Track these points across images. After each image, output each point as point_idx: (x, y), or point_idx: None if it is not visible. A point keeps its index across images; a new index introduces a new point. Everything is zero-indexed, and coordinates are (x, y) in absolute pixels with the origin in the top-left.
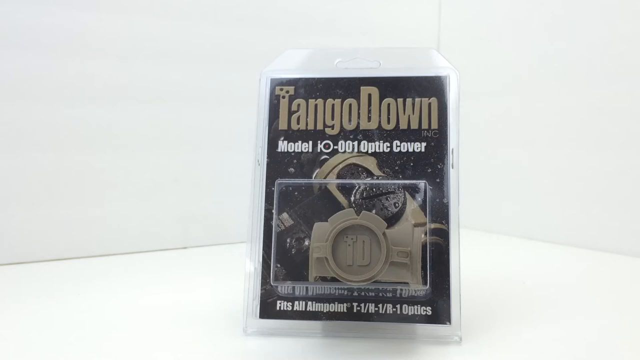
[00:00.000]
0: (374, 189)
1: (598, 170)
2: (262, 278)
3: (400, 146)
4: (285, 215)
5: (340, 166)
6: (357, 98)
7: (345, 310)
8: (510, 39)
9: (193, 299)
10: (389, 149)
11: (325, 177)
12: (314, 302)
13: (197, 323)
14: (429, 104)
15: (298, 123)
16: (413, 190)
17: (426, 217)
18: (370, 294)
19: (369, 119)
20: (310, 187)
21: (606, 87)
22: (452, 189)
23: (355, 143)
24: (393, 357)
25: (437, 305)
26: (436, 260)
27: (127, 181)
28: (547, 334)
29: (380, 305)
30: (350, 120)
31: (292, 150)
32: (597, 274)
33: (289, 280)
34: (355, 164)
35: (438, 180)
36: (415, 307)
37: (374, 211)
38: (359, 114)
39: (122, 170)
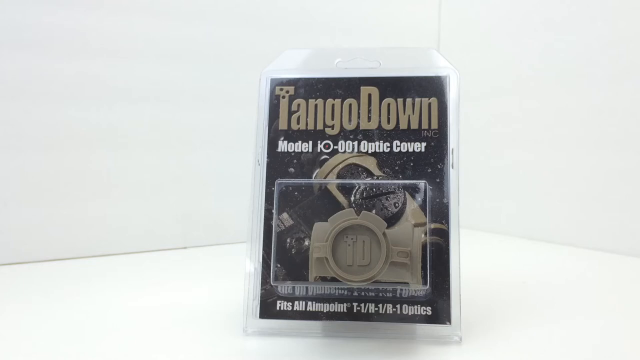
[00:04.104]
0: (374, 189)
1: (598, 170)
2: (262, 278)
3: (400, 146)
4: (285, 215)
5: (340, 166)
6: (357, 98)
7: (345, 310)
8: (510, 39)
9: (193, 298)
10: (389, 149)
11: (325, 177)
12: (314, 302)
13: (197, 323)
14: (429, 104)
15: (298, 123)
16: (413, 190)
17: (426, 217)
18: (370, 294)
19: (369, 119)
20: (310, 187)
21: (606, 87)
22: (452, 189)
23: (355, 143)
24: (393, 357)
25: (437, 305)
26: (436, 260)
27: (127, 181)
28: (547, 334)
29: (380, 305)
30: (350, 120)
31: (292, 150)
32: (597, 274)
33: (289, 280)
34: (355, 164)
35: (438, 180)
36: (415, 307)
37: (374, 211)
38: (359, 114)
39: (122, 170)
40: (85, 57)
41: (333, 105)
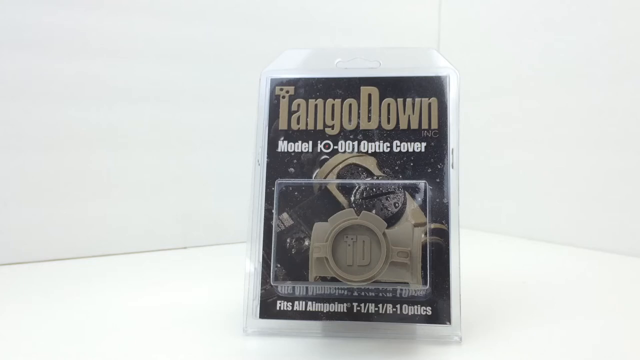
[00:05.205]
0: (374, 189)
1: (598, 170)
2: (262, 278)
3: (400, 146)
4: (285, 215)
5: (340, 166)
6: (357, 98)
7: (345, 310)
8: (511, 39)
9: (193, 298)
10: (389, 149)
11: (325, 177)
12: (314, 302)
13: (197, 323)
14: (429, 104)
15: (298, 123)
16: (413, 190)
17: (426, 217)
18: (370, 294)
19: (369, 119)
20: (310, 187)
21: (606, 87)
22: (452, 189)
23: (355, 143)
24: (393, 357)
25: (437, 305)
26: (436, 260)
27: (127, 181)
28: (547, 334)
29: (380, 305)
30: (350, 120)
31: (292, 150)
32: (597, 274)
33: (289, 280)
34: (355, 164)
35: (438, 180)
36: (415, 307)
37: (374, 211)
38: (359, 114)
39: (122, 170)
40: (85, 57)
41: (333, 105)
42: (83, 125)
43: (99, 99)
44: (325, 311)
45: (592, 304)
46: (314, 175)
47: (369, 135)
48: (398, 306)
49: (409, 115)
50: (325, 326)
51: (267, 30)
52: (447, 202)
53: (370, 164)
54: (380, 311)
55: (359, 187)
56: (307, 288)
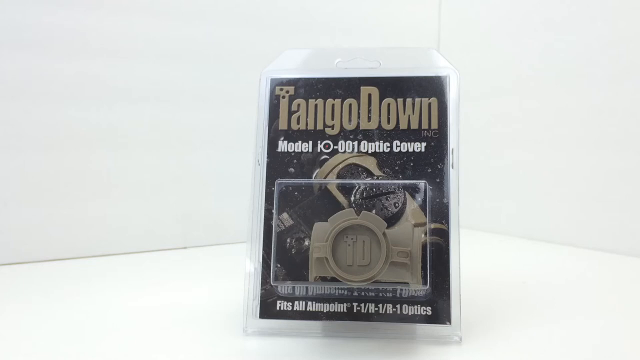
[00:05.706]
0: (374, 189)
1: (598, 170)
2: (262, 278)
3: (400, 146)
4: (285, 215)
5: (340, 166)
6: (357, 98)
7: (345, 310)
8: (511, 39)
9: (193, 298)
10: (389, 149)
11: (325, 177)
12: (314, 302)
13: (197, 323)
14: (429, 104)
15: (298, 123)
16: (413, 190)
17: (426, 217)
18: (370, 294)
19: (369, 119)
20: (310, 187)
21: (606, 87)
22: (452, 189)
23: (355, 143)
24: (393, 357)
25: (437, 305)
26: (436, 260)
27: (127, 181)
28: (547, 334)
29: (380, 305)
30: (350, 120)
31: (292, 150)
32: (597, 274)
33: (289, 280)
34: (355, 164)
35: (438, 180)
36: (415, 307)
37: (374, 211)
38: (359, 114)
39: (122, 170)
40: (85, 57)
41: (333, 105)
42: (83, 125)
43: (99, 99)
44: (325, 311)
45: (592, 304)
46: (314, 175)
47: (369, 135)
48: (398, 306)
49: (409, 115)
50: (325, 326)
51: (267, 30)
52: (447, 202)
53: (370, 164)
54: (380, 311)
55: (359, 187)
56: (307, 288)
